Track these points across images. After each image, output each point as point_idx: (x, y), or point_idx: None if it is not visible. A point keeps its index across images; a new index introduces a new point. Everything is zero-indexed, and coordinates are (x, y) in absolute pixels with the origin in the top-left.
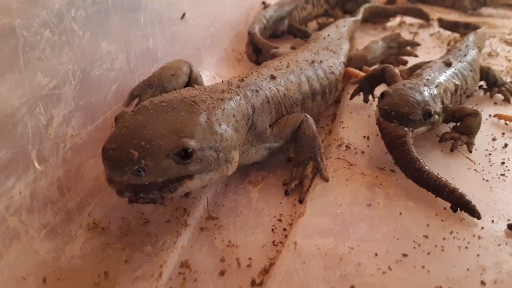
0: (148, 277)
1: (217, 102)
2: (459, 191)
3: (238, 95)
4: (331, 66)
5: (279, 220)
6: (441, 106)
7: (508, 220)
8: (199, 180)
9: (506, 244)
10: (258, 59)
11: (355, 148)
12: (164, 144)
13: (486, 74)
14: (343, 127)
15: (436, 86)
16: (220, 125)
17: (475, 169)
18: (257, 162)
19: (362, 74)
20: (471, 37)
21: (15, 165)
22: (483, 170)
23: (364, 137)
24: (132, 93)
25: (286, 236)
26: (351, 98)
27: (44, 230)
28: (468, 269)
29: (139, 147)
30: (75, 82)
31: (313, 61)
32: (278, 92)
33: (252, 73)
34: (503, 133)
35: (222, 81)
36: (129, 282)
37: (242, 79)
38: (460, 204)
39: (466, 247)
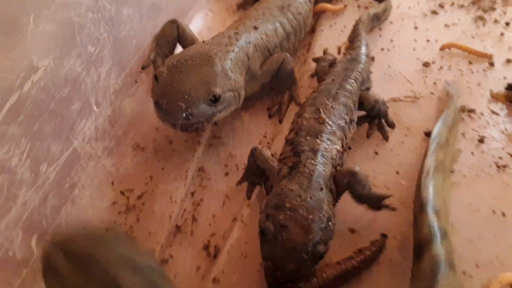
0: (178, 178)
1: (225, 54)
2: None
3: (237, 47)
4: (298, 7)
5: (264, 136)
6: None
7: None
8: (224, 113)
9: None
10: None
11: None
12: (200, 95)
13: (371, 107)
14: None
15: (329, 179)
16: (232, 71)
17: None
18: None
19: (329, 7)
20: (363, 46)
21: (83, 110)
22: None
23: None
24: (145, 64)
25: (269, 147)
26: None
27: (106, 151)
28: None
29: (184, 99)
30: (110, 45)
31: (282, 7)
32: (262, 40)
33: (240, 25)
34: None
35: (223, 33)
36: (167, 181)
37: (237, 33)
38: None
39: None
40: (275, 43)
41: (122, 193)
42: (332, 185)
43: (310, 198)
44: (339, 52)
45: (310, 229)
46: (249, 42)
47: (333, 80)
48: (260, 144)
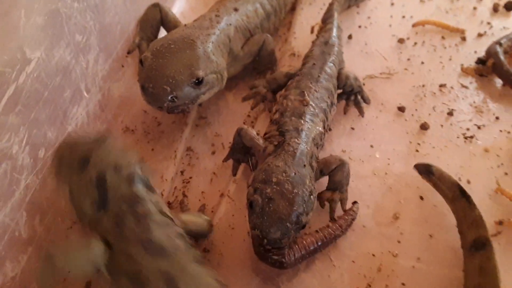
0: (168, 157)
1: (207, 37)
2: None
3: (218, 29)
4: None
5: (248, 116)
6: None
7: None
8: (208, 94)
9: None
10: None
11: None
12: (184, 78)
13: (343, 83)
14: (295, 37)
15: (311, 156)
16: (214, 54)
17: None
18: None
19: None
20: (335, 28)
21: (75, 97)
22: None
23: None
24: (130, 49)
25: (253, 126)
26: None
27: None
28: None
29: (168, 83)
30: (96, 33)
31: None
32: (242, 21)
33: (221, 7)
34: None
35: (204, 16)
36: (157, 161)
37: (217, 15)
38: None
39: None
40: (255, 24)
41: None
42: (313, 162)
43: (294, 174)
44: (312, 32)
45: (294, 202)
46: (230, 24)
47: (314, 64)
48: (244, 123)
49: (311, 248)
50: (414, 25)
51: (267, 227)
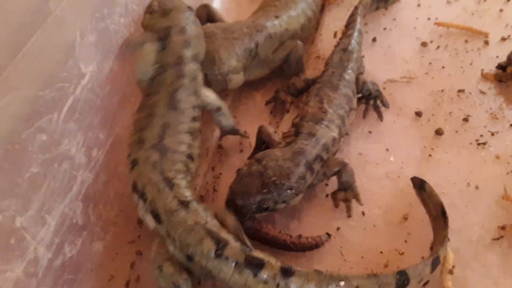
0: (201, 155)
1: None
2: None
3: (245, 35)
4: None
5: (274, 116)
6: (305, 181)
7: None
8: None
9: None
10: None
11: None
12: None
13: (361, 88)
14: (321, 40)
15: (315, 159)
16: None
17: None
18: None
19: None
20: (355, 34)
21: (122, 102)
22: None
23: None
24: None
25: (278, 127)
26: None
27: None
28: None
29: None
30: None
31: None
32: (281, 27)
33: (261, 14)
34: None
35: (240, 23)
36: None
37: (254, 21)
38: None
39: None
40: (295, 30)
41: None
42: (316, 165)
43: (284, 166)
44: (334, 36)
45: (265, 186)
46: (263, 30)
47: (333, 72)
48: (270, 123)
49: (263, 237)
50: (435, 24)
51: (236, 192)
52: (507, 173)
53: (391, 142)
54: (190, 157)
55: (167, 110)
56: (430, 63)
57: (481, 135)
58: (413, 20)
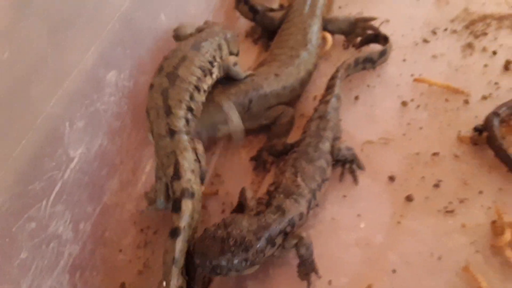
0: None
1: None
2: None
3: (241, 92)
4: (315, 38)
5: (257, 175)
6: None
7: None
8: None
9: None
10: (255, 18)
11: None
12: None
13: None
14: (306, 97)
15: (278, 234)
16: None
17: None
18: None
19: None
20: (332, 99)
21: (110, 172)
22: None
23: None
24: None
25: (259, 186)
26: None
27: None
28: None
29: None
30: (130, 113)
31: (306, 44)
32: (278, 85)
33: (262, 71)
34: None
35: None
36: None
37: (253, 79)
38: None
39: None
40: (292, 87)
41: (141, 230)
42: (279, 239)
43: (246, 238)
44: (314, 99)
45: (222, 254)
46: (259, 89)
47: (310, 142)
48: (252, 182)
49: None
50: (415, 80)
51: (195, 251)
52: (471, 243)
53: (364, 207)
54: (197, 88)
55: (190, 49)
56: (408, 124)
57: (450, 202)
58: (397, 76)
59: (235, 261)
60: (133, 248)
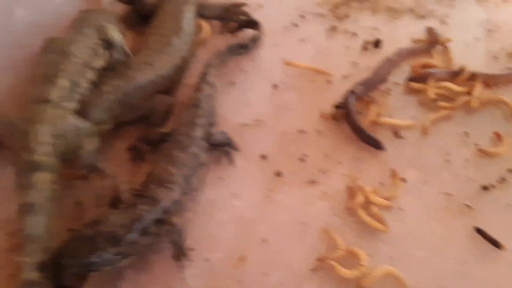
0: None
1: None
2: None
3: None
4: (189, 27)
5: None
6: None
7: None
8: None
9: None
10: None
11: None
12: None
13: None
14: (186, 85)
15: (154, 224)
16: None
17: None
18: None
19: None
20: (205, 85)
21: None
22: None
23: None
24: None
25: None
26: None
27: None
28: None
29: None
30: None
31: (178, 31)
32: (152, 74)
33: (136, 61)
34: None
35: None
36: None
37: (126, 73)
38: None
39: None
40: (167, 74)
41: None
42: (154, 229)
43: (116, 233)
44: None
45: (91, 252)
46: (131, 82)
47: (182, 130)
48: (130, 173)
49: None
50: (285, 63)
51: (63, 252)
52: (330, 207)
53: (238, 186)
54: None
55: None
56: (278, 105)
57: (313, 174)
58: (269, 60)
59: (106, 257)
60: (2, 252)
